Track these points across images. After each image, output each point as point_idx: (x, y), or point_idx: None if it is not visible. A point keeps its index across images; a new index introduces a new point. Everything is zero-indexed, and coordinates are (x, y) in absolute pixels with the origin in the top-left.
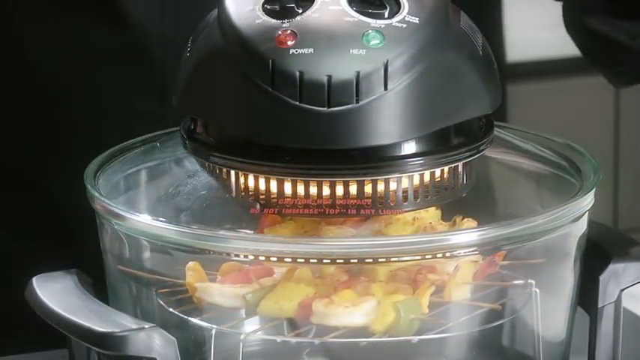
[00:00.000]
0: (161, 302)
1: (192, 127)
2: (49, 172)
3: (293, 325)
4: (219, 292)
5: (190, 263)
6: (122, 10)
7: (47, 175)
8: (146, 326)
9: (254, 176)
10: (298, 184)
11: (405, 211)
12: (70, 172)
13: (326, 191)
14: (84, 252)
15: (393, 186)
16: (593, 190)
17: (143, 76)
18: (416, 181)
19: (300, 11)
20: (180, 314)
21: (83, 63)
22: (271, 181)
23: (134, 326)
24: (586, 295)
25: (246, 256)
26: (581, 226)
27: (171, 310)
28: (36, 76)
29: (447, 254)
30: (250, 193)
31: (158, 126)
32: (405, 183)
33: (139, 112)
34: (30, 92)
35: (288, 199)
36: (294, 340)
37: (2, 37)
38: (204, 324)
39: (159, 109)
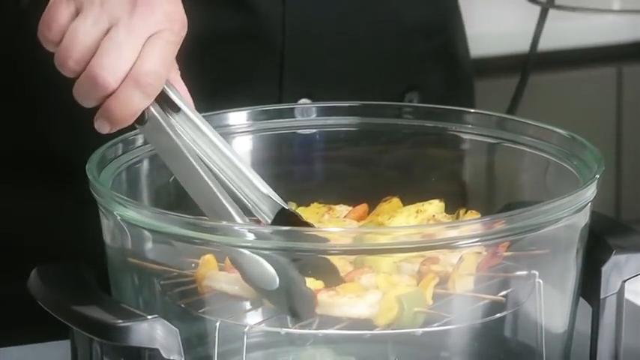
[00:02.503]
0: (164, 293)
1: None
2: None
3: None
4: (226, 280)
5: (206, 256)
6: None
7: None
8: (149, 317)
9: None
10: None
11: None
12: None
13: None
14: (86, 243)
15: None
16: (596, 181)
17: None
18: None
19: None
20: (183, 305)
21: None
22: None
23: (136, 317)
24: (588, 287)
25: (249, 248)
26: (584, 217)
27: (175, 301)
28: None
29: (451, 246)
30: None
31: None
32: None
33: None
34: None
35: None
36: (297, 332)
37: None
38: (207, 316)
39: None
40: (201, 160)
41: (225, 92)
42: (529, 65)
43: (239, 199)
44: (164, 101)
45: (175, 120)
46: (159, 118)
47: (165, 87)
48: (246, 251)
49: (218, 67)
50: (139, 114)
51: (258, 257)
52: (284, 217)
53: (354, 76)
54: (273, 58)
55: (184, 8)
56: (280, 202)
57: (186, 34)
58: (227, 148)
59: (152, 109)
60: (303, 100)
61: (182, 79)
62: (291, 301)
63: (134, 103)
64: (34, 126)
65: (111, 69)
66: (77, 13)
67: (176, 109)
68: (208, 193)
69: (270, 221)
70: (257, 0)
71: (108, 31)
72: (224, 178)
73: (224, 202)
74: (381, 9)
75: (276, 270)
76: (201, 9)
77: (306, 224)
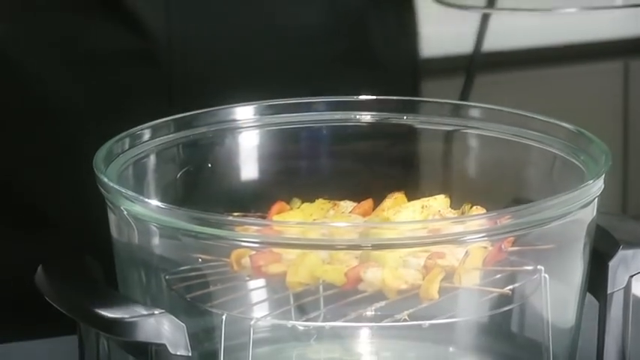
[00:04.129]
0: (171, 288)
1: None
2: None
3: (302, 310)
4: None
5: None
6: (128, 12)
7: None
8: (155, 312)
9: None
10: None
11: None
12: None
13: None
14: (93, 238)
15: None
16: (603, 175)
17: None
18: None
19: None
20: (190, 299)
21: (86, 66)
22: None
23: (143, 312)
24: (595, 282)
25: (256, 242)
26: (591, 212)
27: (181, 296)
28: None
29: (457, 240)
30: None
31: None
32: None
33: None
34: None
35: None
36: (303, 324)
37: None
38: (214, 310)
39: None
40: None
41: (114, 110)
42: (473, 68)
43: None
44: None
45: None
46: None
47: None
48: None
49: (106, 84)
50: None
51: None
52: None
53: (252, 86)
54: (161, 75)
55: (73, 26)
56: None
57: (76, 53)
58: None
59: None
60: None
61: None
62: None
63: None
64: None
65: None
66: None
67: None
68: None
69: None
70: (141, 18)
71: None
72: None
73: None
74: (274, 17)
75: None
76: (88, 27)
77: None
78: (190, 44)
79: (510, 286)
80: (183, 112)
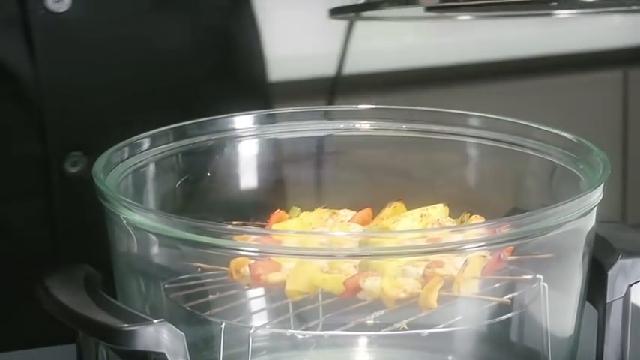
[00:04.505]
0: (169, 297)
1: None
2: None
3: (301, 319)
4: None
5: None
6: None
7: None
8: (154, 321)
9: None
10: None
11: None
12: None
13: None
14: (92, 246)
15: None
16: (602, 185)
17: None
18: None
19: None
20: (189, 308)
21: None
22: None
23: (142, 321)
24: (594, 291)
25: (255, 251)
26: (590, 221)
27: (180, 304)
28: None
29: (456, 250)
30: None
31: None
32: None
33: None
34: None
35: None
36: (302, 332)
37: None
38: (213, 318)
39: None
40: None
41: None
42: (335, 88)
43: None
44: None
45: None
46: None
47: None
48: None
49: None
50: None
51: None
52: None
53: (127, 116)
54: (32, 117)
55: None
56: None
57: None
58: None
59: None
60: (77, 154)
61: None
62: None
63: None
64: None
65: None
66: None
67: None
68: None
69: None
70: (7, 64)
71: None
72: None
73: None
74: (137, 46)
75: None
76: None
77: None
78: (59, 82)
79: (509, 295)
80: (59, 149)
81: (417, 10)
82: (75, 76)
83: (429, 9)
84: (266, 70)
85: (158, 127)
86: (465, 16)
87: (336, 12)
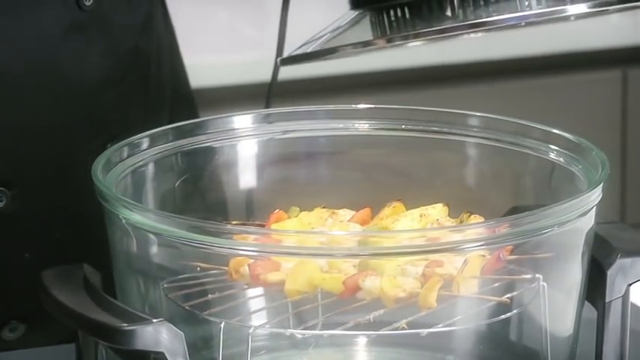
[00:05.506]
0: (169, 297)
1: None
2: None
3: (300, 318)
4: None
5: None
6: None
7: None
8: (154, 320)
9: None
10: None
11: None
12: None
13: None
14: (92, 246)
15: None
16: (601, 184)
17: None
18: None
19: None
20: (188, 308)
21: None
22: None
23: (142, 320)
24: (593, 290)
25: (254, 251)
26: (589, 220)
27: (179, 304)
28: None
29: (455, 249)
30: None
31: None
32: None
33: None
34: None
35: None
36: (301, 332)
37: None
38: (212, 318)
39: None
40: None
41: None
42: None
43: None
44: None
45: None
46: None
47: None
48: None
49: None
50: None
51: None
52: None
53: (54, 149)
54: None
55: None
56: None
57: None
58: None
59: None
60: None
61: None
62: None
63: None
64: None
65: None
66: None
67: None
68: None
69: None
70: None
71: None
72: None
73: None
74: (49, 77)
75: None
76: None
77: None
78: None
79: (509, 295)
80: None
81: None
82: None
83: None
84: (187, 78)
85: (80, 157)
86: (414, 43)
87: (287, 62)
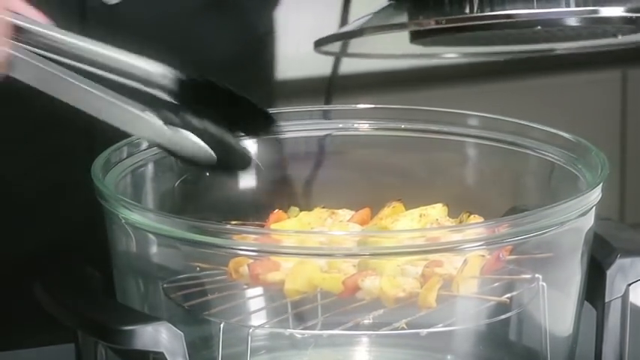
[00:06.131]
0: (168, 297)
1: None
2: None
3: (300, 318)
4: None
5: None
6: None
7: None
8: (154, 321)
9: None
10: None
11: None
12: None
13: None
14: (91, 246)
15: None
16: (601, 184)
17: None
18: None
19: None
20: (188, 308)
21: None
22: None
23: (141, 320)
24: (593, 290)
25: (254, 251)
26: (589, 220)
27: (178, 304)
28: None
29: (455, 249)
30: None
31: None
32: None
33: None
34: None
35: None
36: (300, 332)
37: None
38: (212, 318)
39: None
40: (83, 72)
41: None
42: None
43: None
44: (22, 35)
45: (39, 45)
46: (24, 57)
47: (16, 22)
48: (180, 130)
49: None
50: (4, 65)
51: (189, 133)
52: (187, 87)
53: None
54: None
55: None
56: (175, 73)
57: None
58: (95, 43)
59: (14, 52)
60: None
61: None
62: (230, 162)
63: None
64: None
65: None
66: None
67: (32, 34)
68: (108, 106)
69: (176, 97)
70: None
71: None
72: (109, 74)
73: (126, 106)
74: (185, 44)
75: (208, 143)
76: None
77: (211, 84)
78: None
79: (508, 295)
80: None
81: (403, 47)
82: None
83: (415, 39)
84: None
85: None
86: (450, 55)
87: (321, 43)
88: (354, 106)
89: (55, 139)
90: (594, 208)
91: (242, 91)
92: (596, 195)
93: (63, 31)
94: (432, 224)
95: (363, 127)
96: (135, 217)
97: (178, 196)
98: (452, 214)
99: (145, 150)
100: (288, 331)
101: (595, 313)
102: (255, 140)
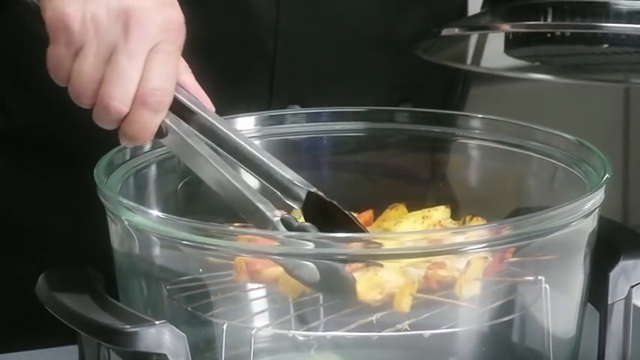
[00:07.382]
0: (171, 298)
1: None
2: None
3: (303, 320)
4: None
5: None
6: None
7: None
8: (156, 322)
9: None
10: None
11: None
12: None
13: None
14: (94, 248)
15: None
16: (604, 186)
17: None
18: None
19: None
20: (191, 310)
21: None
22: None
23: (144, 322)
24: (596, 292)
25: (256, 253)
26: (592, 222)
27: (181, 305)
28: None
29: (458, 251)
30: None
31: None
32: None
33: None
34: None
35: None
36: (304, 334)
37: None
38: (214, 319)
39: None
40: (223, 159)
41: (216, 93)
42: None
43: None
44: (180, 108)
45: (194, 124)
46: (175, 129)
47: (178, 95)
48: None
49: (210, 68)
50: (154, 131)
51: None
52: (312, 200)
53: (346, 84)
54: (265, 62)
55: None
56: (306, 185)
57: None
58: (246, 142)
59: (168, 121)
60: (294, 107)
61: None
62: (334, 288)
63: (146, 122)
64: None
65: (118, 96)
66: (76, 51)
67: (191, 113)
68: (236, 193)
69: (300, 205)
70: (251, 4)
71: (110, 57)
72: (249, 171)
73: (252, 198)
74: (375, 22)
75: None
76: (196, 13)
77: (332, 205)
78: (296, 34)
79: (511, 297)
80: (280, 102)
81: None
82: (310, 31)
83: (510, 48)
84: None
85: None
86: (548, 77)
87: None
88: (355, 108)
89: (281, 87)
90: (597, 210)
91: None
92: (599, 197)
93: (220, 118)
94: (434, 226)
95: (366, 128)
96: (138, 219)
97: (181, 198)
98: (455, 216)
99: (148, 152)
100: (291, 333)
101: (598, 315)
102: (257, 142)
